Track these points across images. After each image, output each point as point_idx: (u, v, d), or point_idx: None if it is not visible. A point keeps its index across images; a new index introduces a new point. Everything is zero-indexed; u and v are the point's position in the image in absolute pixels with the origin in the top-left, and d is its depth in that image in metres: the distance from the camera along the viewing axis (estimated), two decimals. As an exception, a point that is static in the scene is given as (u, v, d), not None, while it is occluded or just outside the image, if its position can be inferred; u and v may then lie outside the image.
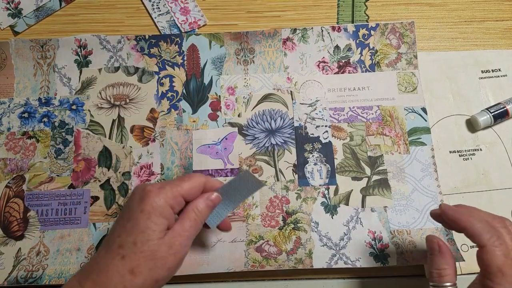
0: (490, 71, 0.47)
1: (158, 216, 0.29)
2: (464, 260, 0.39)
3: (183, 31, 0.48)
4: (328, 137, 0.44)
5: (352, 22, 0.49)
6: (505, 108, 0.44)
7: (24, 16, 0.49)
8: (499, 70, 0.47)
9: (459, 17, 0.50)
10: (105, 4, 0.50)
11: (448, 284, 0.31)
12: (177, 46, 0.47)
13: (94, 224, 0.41)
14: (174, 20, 0.48)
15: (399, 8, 0.50)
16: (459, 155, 0.44)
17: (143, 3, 0.49)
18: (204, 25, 0.48)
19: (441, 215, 0.33)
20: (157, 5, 0.49)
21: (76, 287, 0.28)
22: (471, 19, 0.49)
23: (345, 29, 0.47)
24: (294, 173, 0.43)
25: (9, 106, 0.45)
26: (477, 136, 0.45)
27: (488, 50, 0.48)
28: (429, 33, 0.49)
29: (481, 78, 0.47)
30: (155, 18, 0.48)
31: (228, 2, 0.50)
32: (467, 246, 0.42)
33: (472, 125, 0.45)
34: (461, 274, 0.41)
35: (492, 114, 0.44)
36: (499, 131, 0.45)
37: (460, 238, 0.41)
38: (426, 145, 0.44)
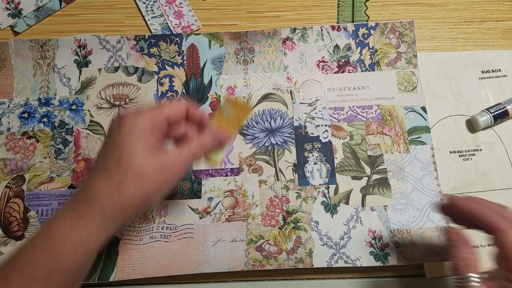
0: (490, 72, 0.47)
1: (138, 136, 0.28)
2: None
3: (176, 34, 0.48)
4: (328, 136, 0.44)
5: (352, 22, 0.49)
6: (505, 109, 0.44)
7: (24, 16, 0.49)
8: (499, 70, 0.47)
9: (459, 17, 0.50)
10: (105, 4, 0.50)
11: (475, 275, 0.30)
12: (176, 46, 0.47)
13: (94, 224, 0.41)
14: (167, 23, 0.48)
15: (399, 8, 0.50)
16: (459, 155, 0.44)
17: (136, 5, 0.49)
18: (197, 30, 0.48)
19: (450, 206, 0.33)
20: (151, 8, 0.49)
21: (68, 210, 0.28)
22: (471, 19, 0.49)
23: (345, 29, 0.47)
24: (294, 173, 0.43)
25: (8, 106, 0.45)
26: (477, 136, 0.45)
27: (488, 50, 0.48)
28: (429, 33, 0.49)
29: (481, 78, 0.47)
30: (148, 20, 0.48)
31: (228, 2, 0.50)
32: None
33: (472, 125, 0.45)
34: None
35: (492, 114, 0.44)
36: (499, 132, 0.45)
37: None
38: (426, 144, 0.44)
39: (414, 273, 0.41)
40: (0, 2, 0.49)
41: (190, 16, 0.49)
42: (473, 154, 0.44)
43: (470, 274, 0.29)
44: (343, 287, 0.40)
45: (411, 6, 0.50)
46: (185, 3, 0.49)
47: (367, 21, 0.49)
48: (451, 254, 0.32)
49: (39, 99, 0.45)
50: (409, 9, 0.50)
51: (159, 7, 0.49)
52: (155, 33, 0.48)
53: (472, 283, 0.29)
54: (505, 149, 0.44)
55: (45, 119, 0.45)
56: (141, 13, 0.49)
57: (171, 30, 0.48)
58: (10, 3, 0.49)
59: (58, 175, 0.43)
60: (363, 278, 0.41)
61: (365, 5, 0.50)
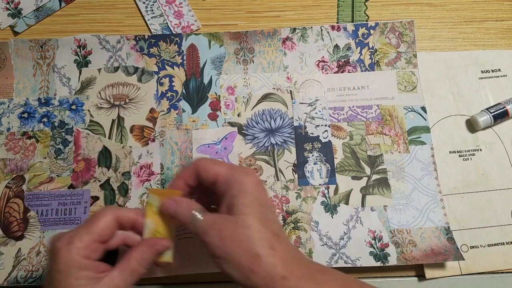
0: (490, 71, 0.47)
1: (76, 271, 0.28)
2: (464, 259, 0.39)
3: (175, 34, 0.48)
4: (327, 136, 0.44)
5: (352, 22, 0.49)
6: (505, 109, 0.44)
7: (24, 16, 0.49)
8: (499, 70, 0.47)
9: (459, 17, 0.49)
10: (105, 4, 0.50)
11: (195, 212, 0.30)
12: (176, 45, 0.47)
13: (94, 224, 0.41)
14: (167, 23, 0.48)
15: (399, 8, 0.50)
16: (459, 155, 0.44)
17: (136, 5, 0.49)
18: (197, 30, 0.48)
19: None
20: (150, 8, 0.49)
21: None
22: (471, 19, 0.49)
23: (345, 28, 0.47)
24: (294, 173, 0.43)
25: (8, 106, 0.45)
26: (477, 136, 0.45)
27: (488, 50, 0.48)
28: (429, 33, 0.49)
29: (481, 78, 0.47)
30: (148, 20, 0.48)
31: (228, 2, 0.50)
32: (467, 246, 0.41)
33: (472, 125, 0.45)
34: (461, 275, 0.40)
35: (492, 114, 0.44)
36: (499, 131, 0.45)
37: (460, 238, 0.41)
38: (425, 144, 0.44)
39: (414, 273, 0.41)
40: (0, 2, 0.49)
41: (190, 16, 0.49)
42: (473, 154, 0.44)
43: (193, 212, 0.30)
44: None
45: (411, 6, 0.50)
46: (185, 3, 0.49)
47: (367, 21, 0.49)
48: (174, 214, 0.31)
49: (39, 99, 0.45)
50: (408, 9, 0.50)
51: (159, 7, 0.49)
52: (155, 33, 0.48)
53: (197, 217, 0.29)
54: (505, 149, 0.44)
55: (45, 119, 0.45)
56: (140, 13, 0.49)
57: (171, 30, 0.48)
58: (10, 3, 0.49)
59: (58, 175, 0.43)
60: (362, 278, 0.41)
61: (365, 5, 0.50)
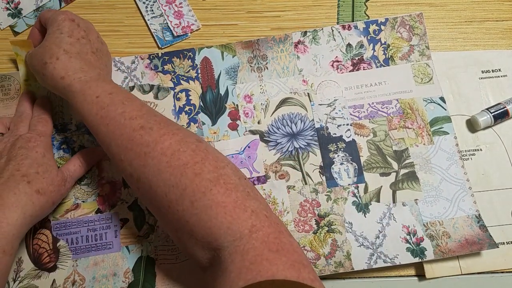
0: (490, 71, 0.47)
1: (51, 154, 0.39)
2: (498, 247, 0.39)
3: (175, 34, 0.47)
4: (351, 135, 0.44)
5: (352, 22, 0.49)
6: (505, 108, 0.44)
7: (24, 16, 0.49)
8: (499, 70, 0.47)
9: (459, 17, 0.49)
10: (105, 4, 0.49)
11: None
12: (190, 60, 0.46)
13: (127, 247, 0.40)
14: (167, 23, 0.48)
15: (399, 8, 0.50)
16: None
17: (136, 5, 0.49)
18: (197, 30, 0.48)
19: None
20: (150, 8, 0.49)
21: None
22: (471, 19, 0.49)
23: (355, 27, 0.47)
24: (321, 175, 0.43)
25: (25, 136, 0.44)
26: (477, 136, 0.45)
27: (488, 50, 0.47)
28: (429, 33, 0.48)
29: (481, 78, 0.46)
30: (148, 20, 0.48)
31: (228, 2, 0.50)
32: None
33: (472, 125, 0.45)
34: (461, 274, 0.40)
35: (492, 114, 0.44)
36: (499, 131, 0.45)
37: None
38: (448, 134, 0.44)
39: (414, 273, 0.41)
40: (0, 2, 0.49)
41: (190, 16, 0.49)
42: (473, 154, 0.44)
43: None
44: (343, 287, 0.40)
45: (411, 6, 0.50)
46: (185, 3, 0.49)
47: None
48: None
49: (55, 125, 0.45)
50: (409, 9, 0.50)
51: (159, 7, 0.49)
52: (155, 33, 0.47)
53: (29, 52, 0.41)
54: (505, 149, 0.44)
55: (64, 146, 0.44)
56: (140, 13, 0.49)
57: (171, 30, 0.48)
58: (10, 3, 0.49)
59: (83, 201, 0.42)
60: (363, 278, 0.41)
61: (365, 5, 0.50)
